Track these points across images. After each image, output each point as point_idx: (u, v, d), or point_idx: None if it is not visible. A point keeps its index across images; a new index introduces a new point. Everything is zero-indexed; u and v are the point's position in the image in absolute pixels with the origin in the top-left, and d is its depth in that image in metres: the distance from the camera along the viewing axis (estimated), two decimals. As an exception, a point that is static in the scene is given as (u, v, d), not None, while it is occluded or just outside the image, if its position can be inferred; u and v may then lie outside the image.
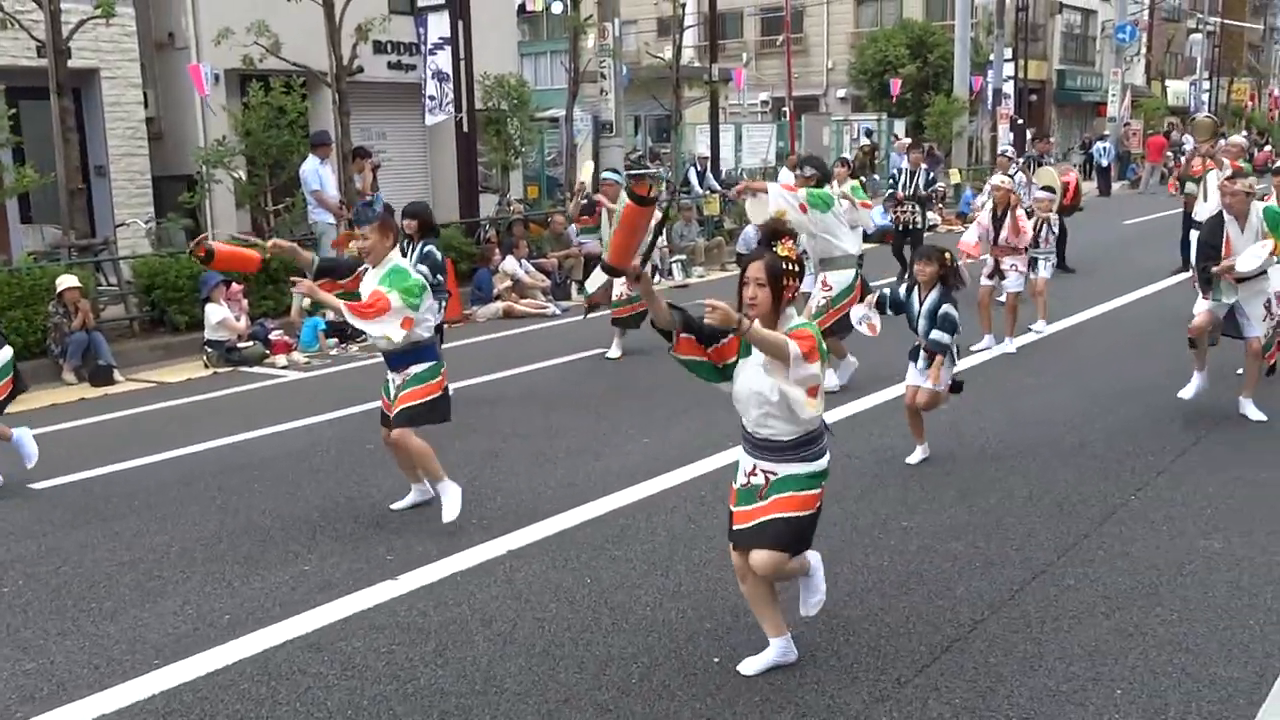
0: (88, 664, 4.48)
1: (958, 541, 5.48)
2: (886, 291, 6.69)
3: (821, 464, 4.05)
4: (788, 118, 27.81)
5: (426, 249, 8.50)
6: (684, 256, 16.64)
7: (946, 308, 6.47)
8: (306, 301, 11.60)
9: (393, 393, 5.98)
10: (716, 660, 4.32)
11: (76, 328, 10.44)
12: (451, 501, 5.89)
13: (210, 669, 4.38)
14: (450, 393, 6.17)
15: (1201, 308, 7.48)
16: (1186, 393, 7.57)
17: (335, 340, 11.57)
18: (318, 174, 12.95)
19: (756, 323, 3.74)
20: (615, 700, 4.05)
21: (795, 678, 4.15)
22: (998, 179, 11.37)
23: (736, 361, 4.04)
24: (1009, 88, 30.51)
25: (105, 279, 12.46)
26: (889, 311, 6.65)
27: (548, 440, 7.60)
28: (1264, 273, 7.20)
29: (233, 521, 6.17)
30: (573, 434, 7.72)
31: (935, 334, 6.48)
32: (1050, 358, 9.73)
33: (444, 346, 9.14)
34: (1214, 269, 7.18)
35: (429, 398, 5.93)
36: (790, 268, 3.88)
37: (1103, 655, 4.27)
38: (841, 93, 40.11)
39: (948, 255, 6.54)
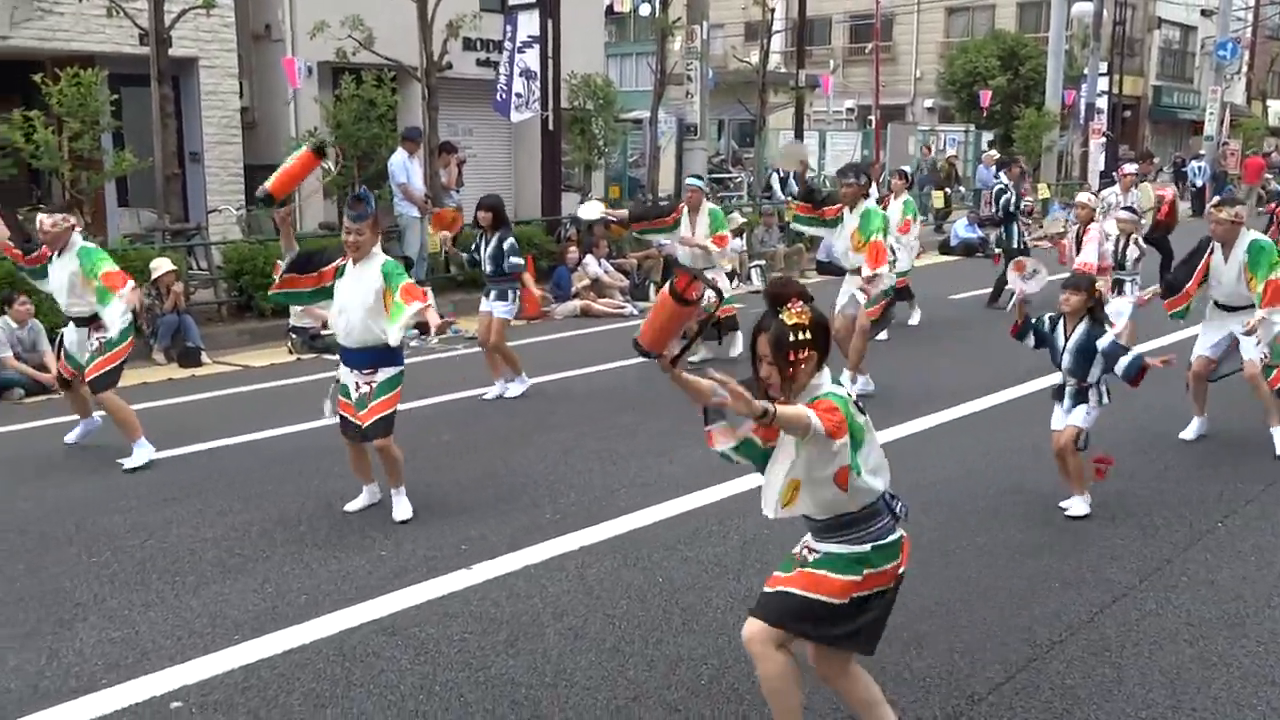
0: (170, 635, 4.59)
1: (1035, 560, 5.38)
2: (1034, 320, 6.07)
3: (864, 549, 3.31)
4: (873, 126, 27.58)
5: (508, 240, 8.71)
6: (763, 262, 16.57)
7: (1106, 339, 5.85)
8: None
9: (353, 395, 5.88)
10: (787, 666, 4.29)
11: (168, 310, 10.71)
12: (403, 507, 5.99)
13: (288, 647, 4.47)
14: None
15: (1200, 352, 7.39)
16: (1187, 434, 7.48)
17: (415, 332, 11.67)
18: (405, 167, 13.16)
19: (781, 407, 3.08)
20: (684, 700, 4.05)
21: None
22: (1083, 197, 11.10)
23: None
24: (1103, 103, 29.91)
25: (196, 263, 12.77)
26: (1029, 340, 6.10)
27: (622, 439, 7.62)
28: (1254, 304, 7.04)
29: (311, 505, 6.28)
30: (646, 434, 7.73)
31: (1122, 362, 5.76)
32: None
33: (521, 343, 9.27)
34: (1245, 328, 6.97)
35: (397, 406, 5.93)
36: (799, 336, 3.20)
37: (1184, 684, 4.17)
38: (929, 103, 39.62)
39: (1098, 286, 6.05)
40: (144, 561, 5.44)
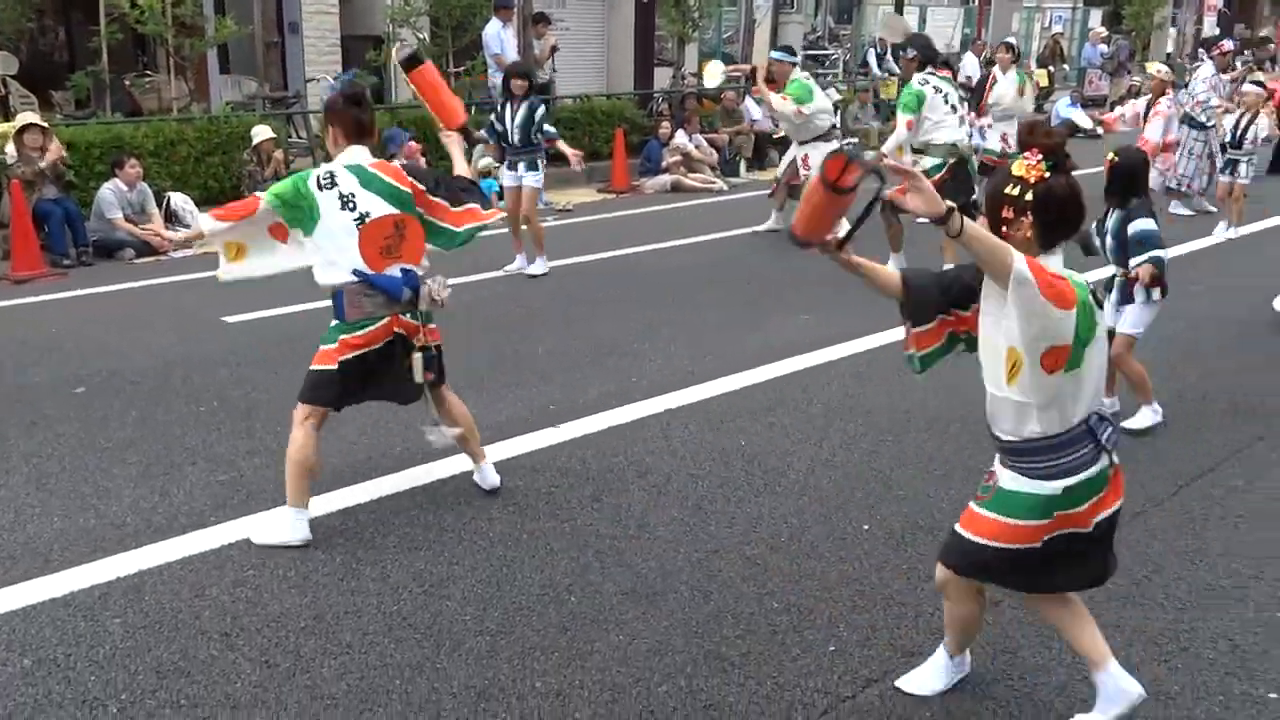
0: (273, 480, 4.79)
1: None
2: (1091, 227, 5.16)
3: (1049, 487, 2.84)
4: (976, 3, 26.50)
5: (540, 109, 8.61)
6: (856, 140, 16.24)
7: (1138, 224, 5.12)
8: (483, 162, 11.89)
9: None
10: (866, 528, 4.38)
11: (269, 176, 10.89)
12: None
13: (384, 493, 4.68)
14: None
15: None
16: None
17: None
18: (499, 37, 13.09)
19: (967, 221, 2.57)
20: (763, 555, 4.16)
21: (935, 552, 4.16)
22: (1154, 67, 10.64)
23: None
24: (1222, -24, 28.29)
25: (295, 131, 12.94)
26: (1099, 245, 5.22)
27: (709, 310, 7.66)
28: None
29: (406, 364, 6.45)
30: (733, 306, 7.76)
31: (1135, 260, 5.10)
32: (1232, 263, 9.24)
33: (611, 216, 9.23)
34: None
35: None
36: (1014, 191, 2.71)
37: (1271, 557, 4.15)
38: (1038, -23, 37.83)
39: (1113, 157, 5.18)
40: (248, 411, 5.69)
